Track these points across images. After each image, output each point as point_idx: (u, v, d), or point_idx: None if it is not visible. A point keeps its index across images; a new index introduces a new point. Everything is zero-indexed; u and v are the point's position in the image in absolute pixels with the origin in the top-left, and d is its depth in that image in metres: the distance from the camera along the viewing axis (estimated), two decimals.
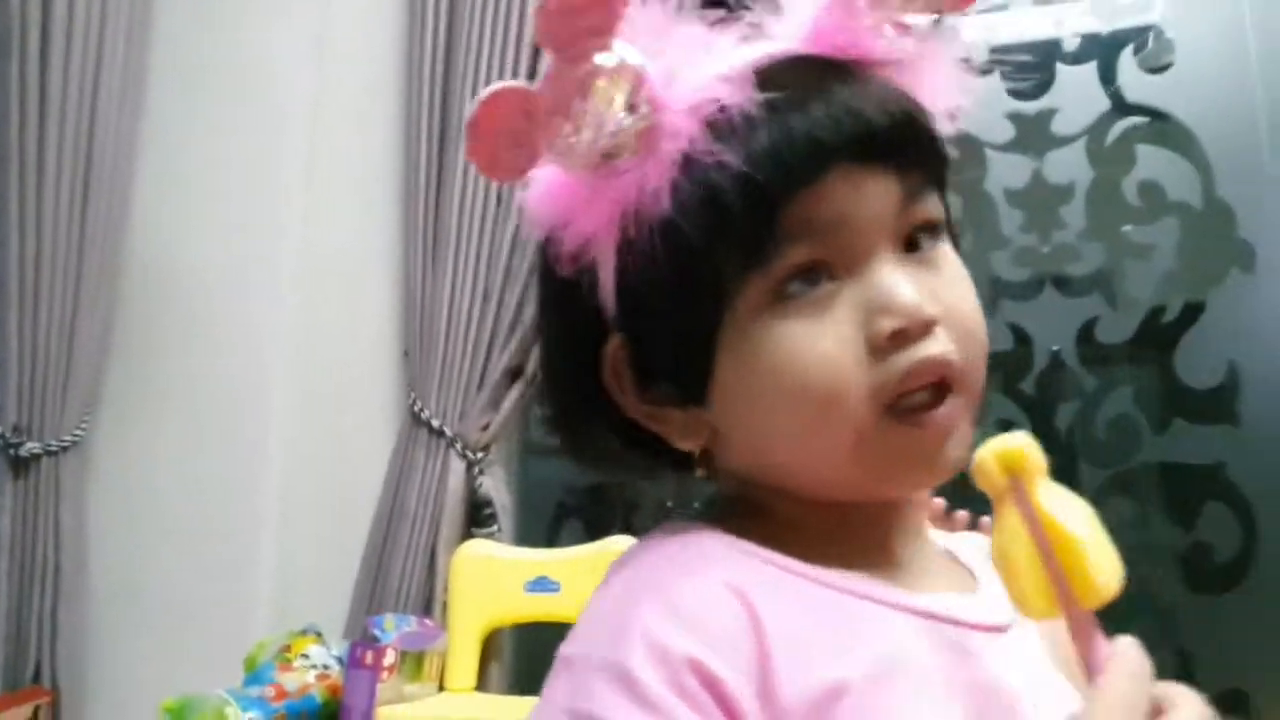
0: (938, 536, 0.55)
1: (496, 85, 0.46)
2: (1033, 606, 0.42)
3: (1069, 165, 1.79)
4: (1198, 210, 1.74)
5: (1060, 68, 1.83)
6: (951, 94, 0.49)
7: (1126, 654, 0.41)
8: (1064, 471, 1.60)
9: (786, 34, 0.48)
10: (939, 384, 0.45)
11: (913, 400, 0.45)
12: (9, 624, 1.63)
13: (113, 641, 1.69)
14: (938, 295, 0.46)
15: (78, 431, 1.70)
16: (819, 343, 0.45)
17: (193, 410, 1.76)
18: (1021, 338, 1.77)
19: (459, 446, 1.70)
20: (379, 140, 1.85)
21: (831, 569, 0.46)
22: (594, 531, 1.83)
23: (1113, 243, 1.76)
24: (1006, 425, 1.72)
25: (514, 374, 1.72)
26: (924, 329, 0.45)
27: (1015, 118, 1.82)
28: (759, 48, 0.47)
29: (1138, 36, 1.78)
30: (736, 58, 0.47)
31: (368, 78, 1.88)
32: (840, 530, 0.48)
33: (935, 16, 0.49)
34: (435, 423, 1.71)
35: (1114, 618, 1.54)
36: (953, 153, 0.50)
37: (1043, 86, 1.83)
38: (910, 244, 0.47)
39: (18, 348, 1.66)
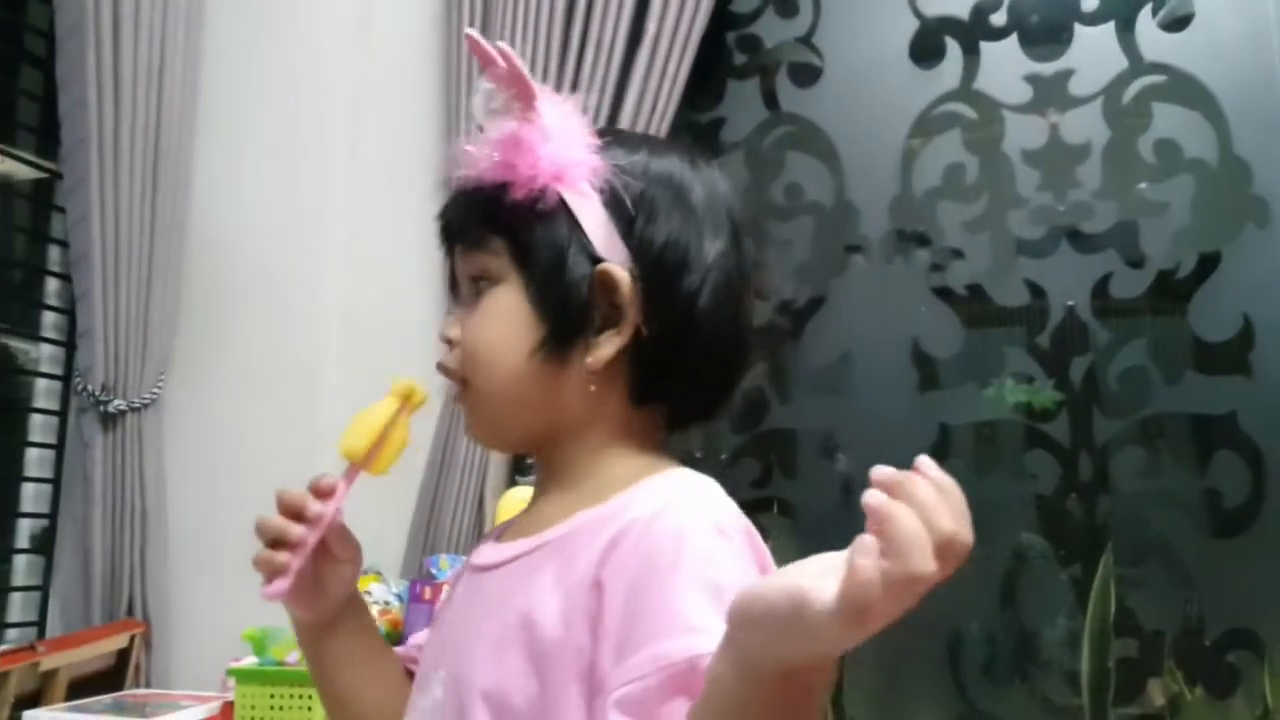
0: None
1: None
2: (350, 448, 0.76)
3: (1086, 125, 1.81)
4: (1213, 167, 1.76)
5: (1078, 28, 1.85)
6: (559, 159, 0.68)
7: None
8: (1079, 422, 1.67)
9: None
10: (462, 379, 0.71)
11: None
12: (104, 563, 1.78)
13: (194, 579, 1.84)
14: (464, 326, 0.71)
15: (155, 390, 1.84)
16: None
17: (255, 369, 1.89)
18: (1037, 293, 1.82)
19: None
20: (421, 109, 1.93)
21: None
22: None
23: (1128, 200, 1.79)
24: (1025, 379, 1.81)
25: None
26: (446, 344, 0.72)
27: (1033, 79, 1.85)
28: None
29: None
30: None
31: (408, 53, 1.96)
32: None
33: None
34: None
35: (1129, 561, 1.60)
36: (527, 218, 0.68)
37: (1060, 47, 1.85)
38: (476, 289, 0.71)
39: (102, 316, 1.79)
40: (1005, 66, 1.86)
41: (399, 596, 1.61)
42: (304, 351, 1.89)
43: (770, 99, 1.99)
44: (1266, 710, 1.67)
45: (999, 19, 1.88)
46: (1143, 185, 1.79)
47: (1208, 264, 1.75)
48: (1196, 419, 1.76)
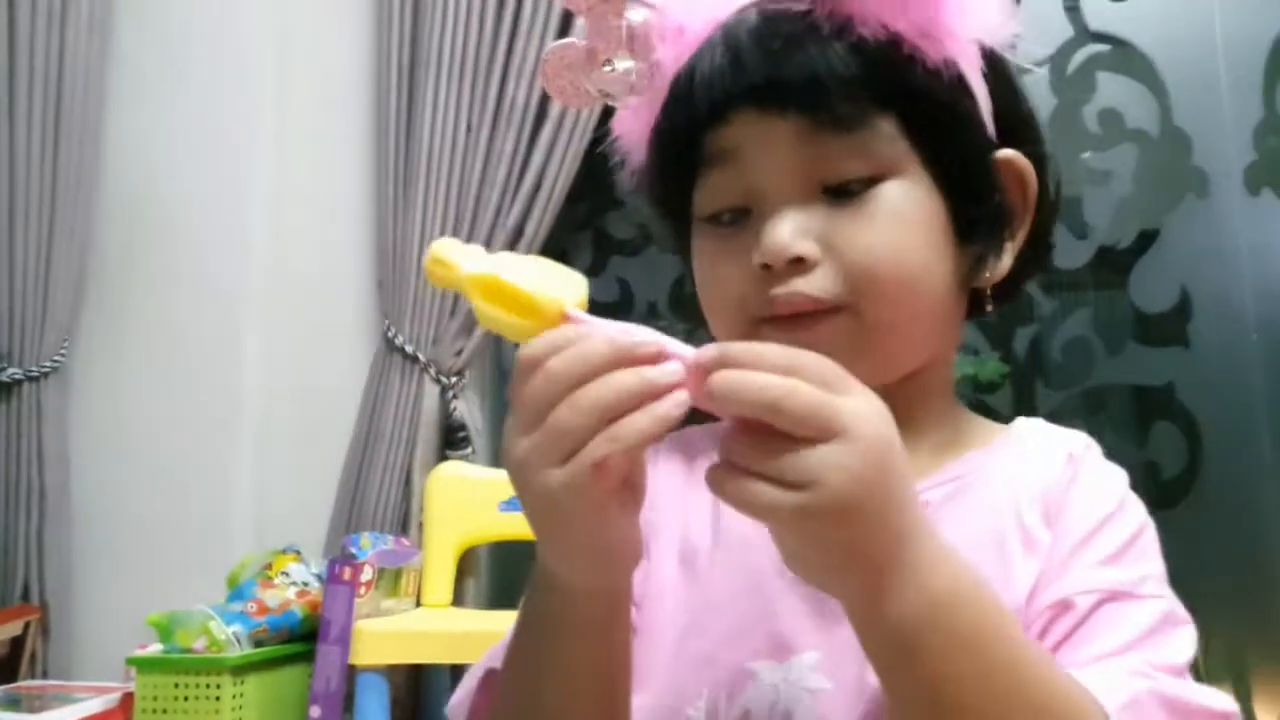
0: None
1: (550, 46, 0.58)
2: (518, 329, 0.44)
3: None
4: (1154, 138, 1.77)
5: None
6: (972, 16, 0.52)
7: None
8: (1023, 392, 1.65)
9: None
10: (817, 310, 0.51)
11: (786, 316, 0.52)
12: None
13: (97, 560, 1.73)
14: (834, 239, 0.51)
15: (57, 358, 1.72)
16: (719, 265, 0.54)
17: (171, 338, 1.78)
18: None
19: (433, 372, 1.74)
20: (349, 74, 1.85)
21: None
22: None
23: (1072, 170, 1.79)
24: (968, 349, 1.79)
25: None
26: (793, 266, 0.51)
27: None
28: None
29: None
30: (725, 6, 0.54)
31: (337, 12, 1.87)
32: None
33: None
34: (409, 349, 1.74)
35: None
36: (946, 96, 0.52)
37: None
38: (841, 188, 0.52)
39: None
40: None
41: (318, 577, 1.53)
42: (223, 317, 1.78)
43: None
44: (1200, 681, 1.68)
45: None
46: (1087, 155, 1.79)
47: (1148, 237, 1.76)
48: (1137, 390, 1.77)
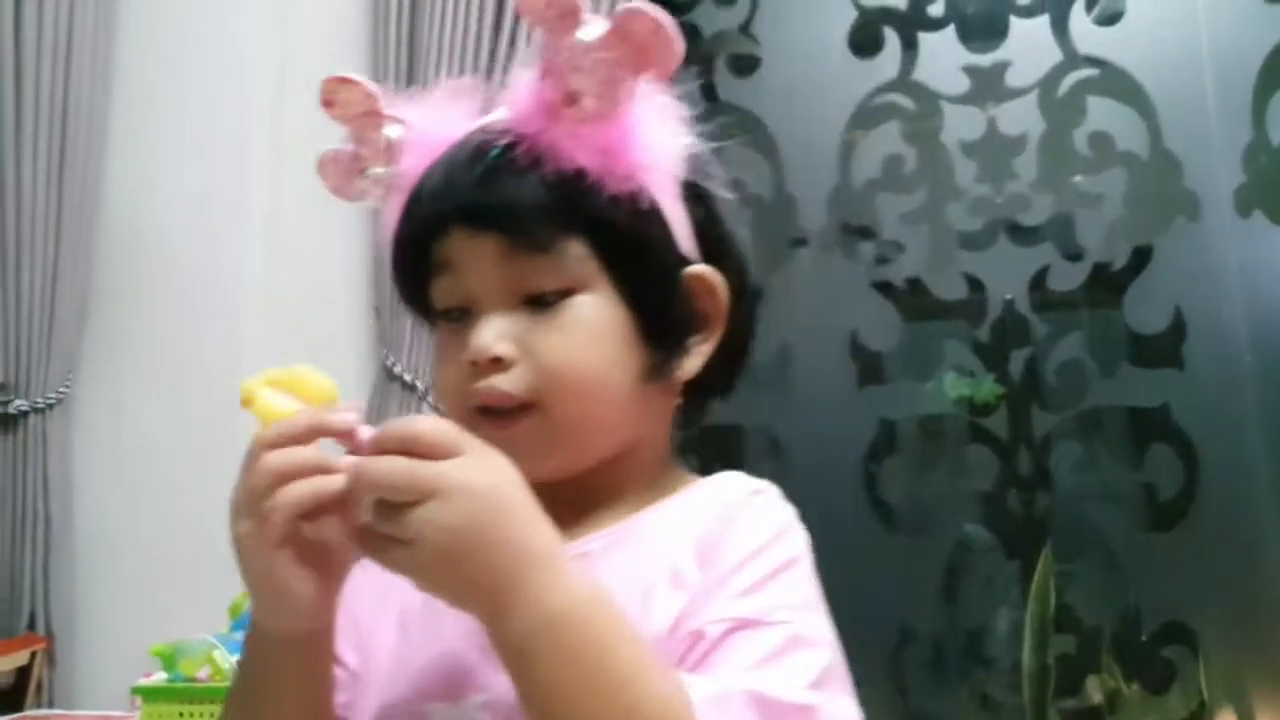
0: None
1: (324, 149, 0.68)
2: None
3: (1022, 117, 1.82)
4: (1145, 161, 1.78)
5: (1013, 20, 1.85)
6: (657, 149, 0.59)
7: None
8: (1018, 416, 1.66)
9: (505, 109, 0.60)
10: (523, 405, 0.59)
11: (496, 410, 0.59)
12: (3, 575, 1.67)
13: (102, 590, 1.74)
14: (531, 343, 0.58)
15: (62, 389, 1.73)
16: (444, 357, 0.62)
17: (171, 368, 1.79)
18: (976, 286, 1.82)
19: (432, 401, 1.75)
20: None
21: None
22: None
23: (1063, 193, 1.80)
24: (964, 371, 1.80)
25: None
26: (494, 365, 0.58)
27: (970, 70, 1.85)
28: (480, 120, 0.62)
29: None
30: (461, 128, 0.62)
31: (334, 32, 1.89)
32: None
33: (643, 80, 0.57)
34: (408, 377, 1.76)
35: (1068, 556, 1.60)
36: (634, 220, 0.59)
37: (996, 39, 1.86)
38: (539, 299, 0.59)
39: (1, 310, 1.69)
40: (943, 58, 1.87)
41: None
42: (224, 349, 1.80)
43: (708, 90, 1.96)
44: (1203, 704, 1.68)
45: (936, 10, 1.89)
46: (1078, 178, 1.80)
47: (1141, 257, 1.77)
48: (1132, 412, 1.78)
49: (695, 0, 1.98)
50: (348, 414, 0.52)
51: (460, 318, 0.61)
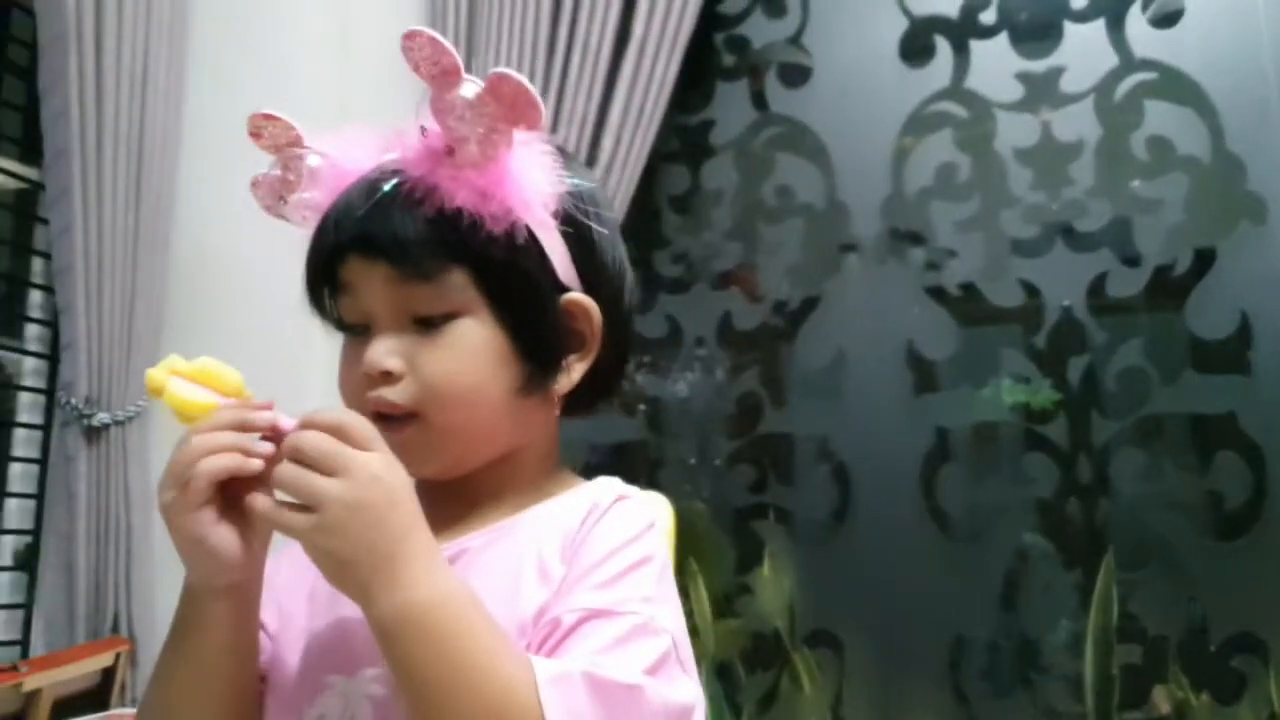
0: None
1: (258, 173, 0.76)
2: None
3: (1077, 122, 1.80)
4: (1206, 164, 1.74)
5: (1067, 25, 1.83)
6: (533, 190, 0.65)
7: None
8: (1077, 423, 1.65)
9: (401, 149, 0.68)
10: (409, 414, 0.66)
11: (386, 417, 0.66)
12: (89, 580, 1.74)
13: (177, 596, 1.81)
14: (416, 360, 0.66)
15: (140, 403, 1.81)
16: (347, 368, 0.70)
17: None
18: (1032, 292, 1.80)
19: None
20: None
21: None
22: None
23: (1121, 198, 1.77)
24: (1021, 379, 1.78)
25: None
26: (384, 377, 0.66)
27: (1023, 77, 1.84)
28: (384, 157, 0.69)
29: None
30: (368, 162, 0.69)
31: (393, 61, 1.94)
32: None
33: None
34: None
35: (1131, 564, 1.58)
36: (503, 250, 0.65)
37: (1050, 45, 1.84)
38: (426, 321, 0.66)
39: (85, 328, 1.77)
40: (996, 65, 1.85)
41: None
42: (289, 366, 1.86)
43: (759, 100, 1.98)
44: (1273, 714, 1.64)
45: (988, 17, 1.87)
46: (1136, 183, 1.77)
47: (1204, 261, 1.73)
48: (1195, 419, 1.73)
49: (746, 13, 2.00)
50: (267, 412, 0.60)
51: (362, 332, 0.69)
